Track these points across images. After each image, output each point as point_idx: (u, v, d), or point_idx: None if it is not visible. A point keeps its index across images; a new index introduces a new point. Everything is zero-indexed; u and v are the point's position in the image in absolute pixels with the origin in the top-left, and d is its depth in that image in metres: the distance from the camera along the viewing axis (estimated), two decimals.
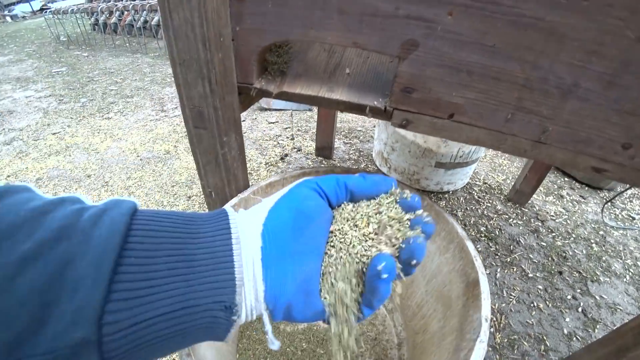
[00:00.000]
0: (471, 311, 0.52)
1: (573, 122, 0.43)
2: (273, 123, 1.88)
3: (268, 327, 0.25)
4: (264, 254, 0.24)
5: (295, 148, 1.61)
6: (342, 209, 0.29)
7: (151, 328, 0.19)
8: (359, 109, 0.49)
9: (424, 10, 0.39)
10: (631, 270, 1.16)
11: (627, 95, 0.40)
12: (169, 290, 0.20)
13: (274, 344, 0.26)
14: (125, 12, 3.41)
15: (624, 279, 1.12)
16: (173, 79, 2.54)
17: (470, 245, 0.57)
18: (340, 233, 0.28)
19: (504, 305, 0.97)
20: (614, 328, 0.97)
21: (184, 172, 1.49)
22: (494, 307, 0.96)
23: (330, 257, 0.27)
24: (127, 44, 3.48)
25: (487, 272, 1.06)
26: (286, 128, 1.82)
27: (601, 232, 1.30)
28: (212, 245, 0.23)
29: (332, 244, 0.28)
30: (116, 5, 3.35)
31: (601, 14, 0.36)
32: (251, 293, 0.23)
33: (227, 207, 0.26)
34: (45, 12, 4.11)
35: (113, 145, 1.72)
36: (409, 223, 0.28)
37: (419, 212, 0.28)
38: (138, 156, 1.62)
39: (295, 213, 0.26)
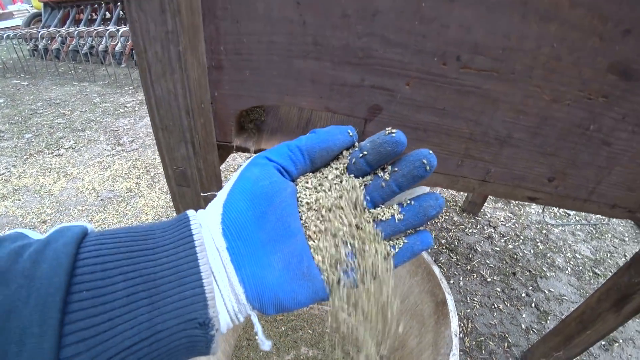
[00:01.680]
0: (443, 328, 0.59)
1: (510, 164, 0.52)
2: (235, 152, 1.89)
3: (257, 328, 0.23)
4: (232, 254, 0.22)
5: None
6: (305, 182, 0.27)
7: None
8: None
9: (386, 81, 0.46)
10: (571, 262, 1.32)
11: (547, 141, 0.50)
12: (132, 319, 0.18)
13: (265, 344, 0.24)
14: (69, 38, 3.24)
15: (566, 272, 1.27)
16: (125, 108, 2.45)
17: (436, 269, 0.65)
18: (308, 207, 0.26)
19: (469, 310, 1.07)
20: (562, 318, 1.10)
21: (150, 211, 1.46)
22: (460, 313, 1.05)
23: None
24: (73, 71, 3.29)
25: (451, 281, 1.16)
26: (248, 157, 1.84)
27: (544, 231, 1.46)
28: (175, 259, 0.20)
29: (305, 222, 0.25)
30: (59, 31, 3.18)
31: (524, 83, 0.45)
32: (231, 299, 0.21)
33: (190, 211, 0.24)
34: None
35: (68, 185, 1.63)
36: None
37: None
38: (98, 196, 1.55)
39: (251, 198, 0.23)
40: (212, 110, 0.55)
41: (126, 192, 1.57)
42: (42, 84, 3.09)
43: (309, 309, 0.92)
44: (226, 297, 0.21)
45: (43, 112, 2.47)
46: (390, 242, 0.27)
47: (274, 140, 0.58)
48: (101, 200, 1.52)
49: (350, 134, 0.27)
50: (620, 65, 0.45)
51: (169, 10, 0.44)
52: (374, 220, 0.26)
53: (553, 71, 0.45)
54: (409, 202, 0.26)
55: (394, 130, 0.25)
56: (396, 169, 0.26)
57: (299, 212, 0.26)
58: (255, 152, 0.58)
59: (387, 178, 0.26)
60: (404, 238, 0.27)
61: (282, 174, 0.26)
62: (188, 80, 0.48)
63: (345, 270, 0.24)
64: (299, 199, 0.26)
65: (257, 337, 0.24)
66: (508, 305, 1.11)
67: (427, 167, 0.25)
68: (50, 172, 1.73)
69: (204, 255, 0.21)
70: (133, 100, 2.64)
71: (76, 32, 3.10)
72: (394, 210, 0.26)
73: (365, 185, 0.27)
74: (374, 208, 0.27)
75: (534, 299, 1.14)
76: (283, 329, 0.86)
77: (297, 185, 0.27)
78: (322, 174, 0.27)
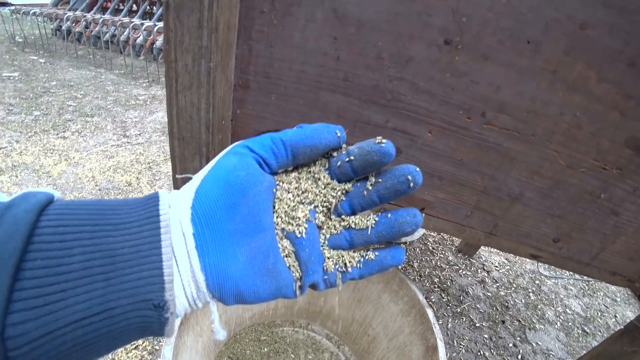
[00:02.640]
0: None
1: (518, 220, 0.52)
2: None
3: (214, 317, 0.23)
4: (197, 241, 0.21)
5: None
6: (283, 177, 0.26)
7: (66, 336, 0.17)
8: None
9: (409, 126, 0.47)
10: (561, 317, 1.31)
11: (557, 204, 0.50)
12: (85, 293, 0.18)
13: (219, 334, 0.24)
14: (93, 24, 3.29)
15: (556, 326, 1.26)
16: (136, 101, 2.47)
17: (430, 313, 0.64)
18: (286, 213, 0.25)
19: (454, 354, 1.05)
20: None
21: None
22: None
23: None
24: (91, 56, 3.33)
25: (440, 321, 1.15)
26: None
27: (537, 282, 1.45)
28: (138, 237, 0.20)
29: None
30: (85, 16, 3.22)
31: (542, 146, 0.46)
32: (191, 285, 0.21)
33: (161, 190, 0.23)
34: (3, 6, 3.83)
35: (68, 169, 1.62)
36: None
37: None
38: (96, 185, 1.54)
39: (224, 188, 0.23)
40: (231, 127, 0.56)
41: (125, 186, 1.56)
42: (59, 63, 3.12)
43: (294, 333, 0.91)
44: (186, 282, 0.21)
45: (55, 92, 2.48)
46: (362, 252, 0.26)
47: None
48: (99, 190, 1.51)
49: (338, 134, 0.25)
50: (637, 141, 0.46)
51: (207, 27, 0.45)
52: (346, 228, 0.26)
53: (572, 138, 0.46)
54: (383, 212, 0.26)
55: (383, 140, 0.24)
56: (380, 180, 0.25)
57: (274, 207, 0.25)
58: None
59: (370, 188, 0.25)
60: (375, 252, 0.26)
61: (262, 166, 0.25)
62: (214, 97, 0.49)
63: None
64: (276, 194, 0.25)
65: (212, 326, 0.24)
66: (494, 353, 1.10)
67: (411, 184, 0.24)
68: (52, 153, 1.72)
69: (168, 238, 0.20)
70: (146, 94, 2.66)
71: (101, 19, 3.15)
72: (371, 220, 0.26)
73: (346, 191, 0.26)
74: (352, 215, 0.27)
75: (521, 351, 1.13)
76: (266, 350, 0.84)
77: (275, 179, 0.26)
78: (303, 172, 0.26)
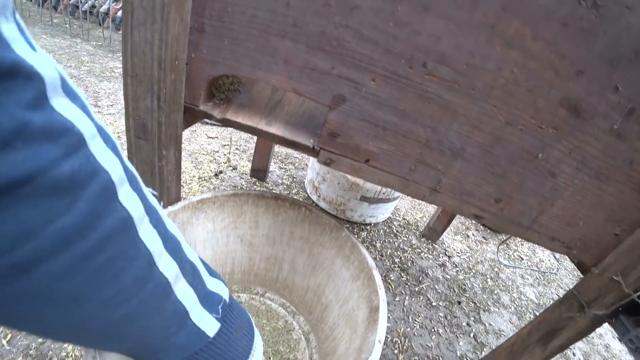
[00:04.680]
0: (369, 334, 0.59)
1: (460, 177, 0.54)
2: (212, 138, 1.87)
3: None
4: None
5: (230, 166, 1.62)
6: None
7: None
8: (291, 144, 0.55)
9: (353, 74, 0.47)
10: (516, 302, 1.36)
11: (498, 162, 0.52)
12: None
13: None
14: None
15: (510, 310, 1.31)
16: (112, 73, 2.40)
17: (377, 275, 0.65)
18: None
19: (408, 329, 1.08)
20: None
21: None
22: (399, 331, 1.06)
23: None
24: (67, 25, 3.18)
25: (397, 299, 1.17)
26: (224, 145, 1.82)
27: (496, 269, 1.50)
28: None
29: None
30: None
31: (482, 100, 0.47)
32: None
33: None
34: None
35: None
36: None
37: None
38: None
39: None
40: (186, 71, 0.55)
41: None
42: (33, 30, 2.97)
43: (251, 300, 0.91)
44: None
45: None
46: None
47: (239, 115, 0.58)
48: None
49: None
50: (572, 101, 0.48)
51: None
52: None
53: (510, 94, 0.47)
54: None
55: None
56: None
57: None
58: (220, 120, 0.57)
59: None
60: None
61: None
62: (167, 34, 0.48)
63: None
64: None
65: None
66: (448, 331, 1.13)
67: None
68: None
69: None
70: (122, 67, 2.58)
71: None
72: None
73: None
74: None
75: (474, 330, 1.17)
76: None
77: None
78: None
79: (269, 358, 0.80)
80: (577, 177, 0.54)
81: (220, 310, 0.31)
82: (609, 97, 0.48)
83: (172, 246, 0.25)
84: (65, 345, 0.73)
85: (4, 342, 0.70)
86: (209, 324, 0.29)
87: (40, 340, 0.72)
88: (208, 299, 0.30)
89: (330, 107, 0.50)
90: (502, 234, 1.80)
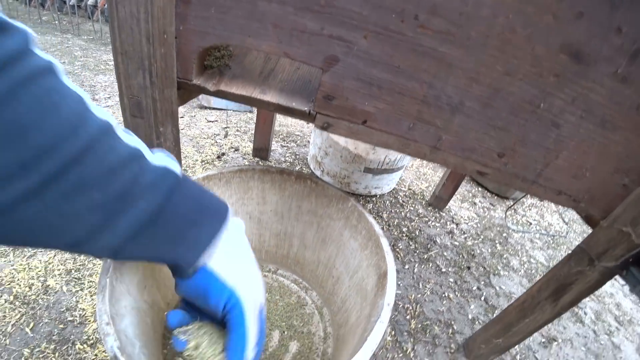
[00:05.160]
0: (379, 299, 0.60)
1: (460, 133, 0.53)
2: (212, 122, 1.86)
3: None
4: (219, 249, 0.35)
5: (232, 147, 1.62)
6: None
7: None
8: (287, 110, 0.54)
9: (344, 32, 0.46)
10: (525, 265, 1.36)
11: (499, 115, 0.51)
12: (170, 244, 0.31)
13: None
14: None
15: (520, 273, 1.31)
16: (106, 66, 2.38)
17: (384, 242, 0.65)
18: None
19: (419, 296, 1.09)
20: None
21: None
22: (410, 297, 1.07)
23: None
24: (57, 22, 3.14)
25: (406, 267, 1.18)
26: (224, 127, 1.82)
27: (504, 234, 1.50)
28: (208, 230, 0.33)
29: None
30: None
31: (478, 51, 0.46)
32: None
33: (231, 209, 0.36)
34: None
35: None
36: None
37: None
38: None
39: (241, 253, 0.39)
40: (176, 45, 0.54)
41: None
42: None
43: (263, 277, 0.92)
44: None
45: None
46: None
47: (233, 85, 0.57)
48: None
49: None
50: (572, 46, 0.47)
51: None
52: None
53: (507, 43, 0.46)
54: None
55: None
56: None
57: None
58: (214, 93, 0.57)
59: None
60: None
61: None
62: (152, 6, 0.47)
63: None
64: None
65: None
66: (458, 295, 1.14)
67: None
68: None
69: (218, 239, 0.34)
70: None
71: None
72: None
73: None
74: None
75: (484, 293, 1.18)
76: None
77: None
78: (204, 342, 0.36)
79: (283, 332, 0.81)
80: (582, 127, 0.53)
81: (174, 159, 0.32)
82: (612, 40, 0.47)
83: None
84: (86, 329, 0.76)
85: (27, 329, 0.72)
86: (170, 163, 0.30)
87: (62, 325, 0.75)
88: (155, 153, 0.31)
89: (323, 69, 0.49)
90: (510, 199, 1.79)
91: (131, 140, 0.28)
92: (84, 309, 0.79)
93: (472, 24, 0.45)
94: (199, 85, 0.58)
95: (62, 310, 0.77)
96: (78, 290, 0.82)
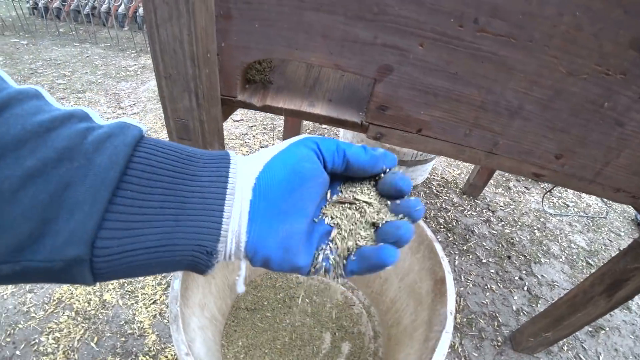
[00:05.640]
0: (438, 306, 0.60)
1: (518, 136, 0.51)
2: (238, 121, 1.87)
3: (242, 272, 0.27)
4: (252, 208, 0.24)
5: (262, 146, 1.63)
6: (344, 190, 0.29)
7: (137, 257, 0.21)
8: (338, 123, 0.54)
9: (398, 41, 0.45)
10: (566, 251, 1.33)
11: (559, 116, 0.49)
12: (158, 227, 0.22)
13: (241, 288, 0.28)
14: None
15: (560, 259, 1.28)
16: (127, 72, 2.41)
17: (438, 247, 0.64)
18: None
19: (462, 289, 1.08)
20: (552, 302, 1.12)
21: None
22: None
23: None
24: (74, 32, 3.21)
25: (447, 259, 1.17)
26: (252, 126, 1.82)
27: (542, 219, 1.46)
28: (207, 192, 0.23)
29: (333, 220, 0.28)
30: None
31: (541, 52, 0.44)
32: (233, 242, 0.24)
33: (232, 152, 0.26)
34: None
35: None
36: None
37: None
38: None
39: (289, 173, 0.26)
40: (218, 62, 0.54)
41: None
42: (42, 43, 3.02)
43: (309, 279, 0.93)
44: (229, 239, 0.24)
45: (43, 72, 2.42)
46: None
47: (279, 99, 0.56)
48: None
49: (389, 167, 0.29)
50: None
51: None
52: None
53: (572, 42, 0.43)
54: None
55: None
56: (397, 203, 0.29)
57: (329, 204, 0.29)
58: (260, 108, 0.56)
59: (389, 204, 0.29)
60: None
61: (320, 163, 0.28)
62: (195, 27, 0.47)
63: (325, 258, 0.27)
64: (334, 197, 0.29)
65: (237, 279, 0.28)
66: (501, 286, 1.13)
67: (416, 215, 0.27)
68: None
69: (231, 199, 0.24)
70: (135, 64, 2.59)
71: None
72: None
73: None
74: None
75: (527, 283, 1.16)
76: (281, 295, 0.87)
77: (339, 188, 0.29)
78: (353, 186, 0.30)
79: (334, 333, 0.83)
80: None
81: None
82: None
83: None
84: (146, 341, 0.79)
85: (92, 344, 0.76)
86: (132, 121, 0.23)
87: (123, 339, 0.78)
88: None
89: (376, 79, 0.48)
90: (545, 182, 1.73)
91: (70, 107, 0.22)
92: (141, 321, 0.82)
93: (535, 25, 0.42)
94: (243, 102, 0.57)
95: (121, 323, 0.80)
96: (133, 303, 0.85)
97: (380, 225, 0.27)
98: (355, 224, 0.28)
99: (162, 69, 0.52)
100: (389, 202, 0.28)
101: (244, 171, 0.25)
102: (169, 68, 0.51)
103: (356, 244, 0.27)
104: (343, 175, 0.29)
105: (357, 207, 0.28)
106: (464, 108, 0.49)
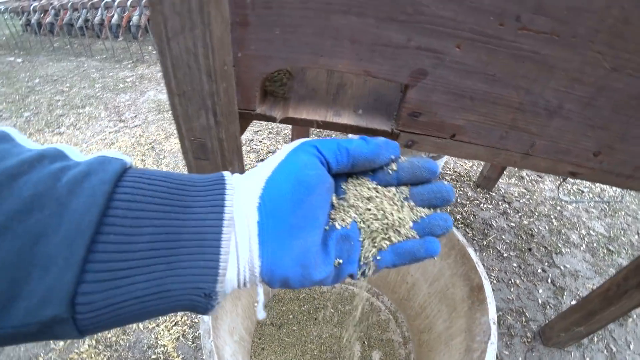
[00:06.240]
0: (478, 314, 0.57)
1: (556, 136, 0.49)
2: None
3: (260, 298, 0.25)
4: (260, 229, 0.22)
5: (270, 152, 1.60)
6: (355, 186, 0.27)
7: (126, 309, 0.19)
8: (367, 132, 0.51)
9: (434, 43, 0.42)
10: (585, 239, 1.31)
11: (600, 113, 0.46)
12: (148, 273, 0.19)
13: (261, 314, 0.26)
14: (63, 11, 3.10)
15: (581, 248, 1.26)
16: (125, 84, 2.38)
17: (471, 252, 0.62)
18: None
19: None
20: (580, 294, 1.10)
21: None
22: None
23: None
24: (68, 46, 3.18)
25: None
26: (257, 131, 1.80)
27: (558, 208, 1.44)
28: (202, 225, 0.21)
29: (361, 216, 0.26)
30: (51, 3, 3.03)
31: (584, 48, 0.41)
32: (246, 269, 0.22)
33: (227, 174, 0.24)
34: None
35: None
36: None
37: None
38: None
39: (294, 184, 0.24)
40: (235, 74, 0.50)
41: None
42: (38, 60, 2.99)
43: (332, 288, 0.92)
44: (242, 266, 0.22)
45: (40, 89, 2.40)
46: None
47: (302, 110, 0.54)
48: None
49: (395, 156, 0.27)
50: None
51: None
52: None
53: (619, 36, 0.41)
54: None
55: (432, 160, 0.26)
56: (420, 190, 0.28)
57: (336, 207, 0.27)
58: (282, 121, 0.54)
59: (408, 195, 0.28)
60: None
61: (324, 167, 0.26)
62: (211, 38, 0.43)
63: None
64: (345, 198, 0.27)
65: (256, 305, 0.26)
66: (524, 280, 1.11)
67: (445, 202, 0.27)
68: None
69: (229, 232, 0.21)
70: (133, 75, 2.56)
71: (70, 3, 2.96)
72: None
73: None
74: None
75: (550, 275, 1.14)
76: (306, 307, 0.85)
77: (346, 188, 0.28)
78: (361, 182, 0.28)
79: (364, 342, 0.81)
80: None
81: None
82: None
83: None
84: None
85: None
86: (110, 154, 0.21)
87: None
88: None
89: (408, 85, 0.46)
90: None
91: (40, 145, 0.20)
92: (164, 345, 0.80)
93: (581, 20, 0.40)
94: (263, 114, 0.55)
95: (144, 349, 0.78)
96: (154, 327, 0.83)
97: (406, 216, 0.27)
98: (379, 219, 0.26)
99: (174, 85, 0.48)
100: (403, 189, 0.27)
101: (244, 193, 0.24)
102: (182, 85, 0.48)
103: (388, 240, 0.26)
104: (343, 173, 0.28)
105: (376, 205, 0.27)
106: (501, 110, 0.46)
